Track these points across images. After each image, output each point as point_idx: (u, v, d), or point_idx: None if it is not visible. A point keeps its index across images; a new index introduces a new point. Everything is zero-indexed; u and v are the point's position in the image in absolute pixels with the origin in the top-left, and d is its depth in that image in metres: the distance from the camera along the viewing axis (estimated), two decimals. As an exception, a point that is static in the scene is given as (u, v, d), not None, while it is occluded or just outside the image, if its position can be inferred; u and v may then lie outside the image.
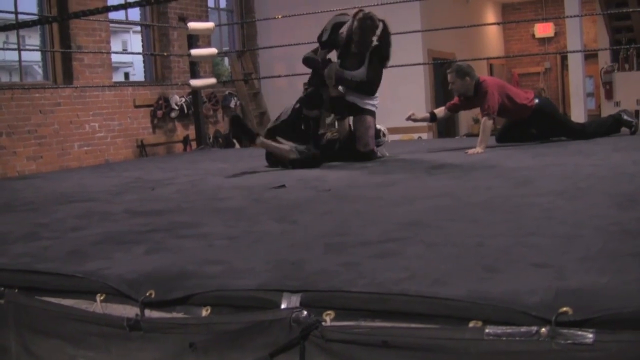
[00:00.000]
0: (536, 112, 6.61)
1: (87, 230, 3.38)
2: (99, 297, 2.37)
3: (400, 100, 12.54)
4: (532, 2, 18.65)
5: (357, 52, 6.06)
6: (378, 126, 6.31)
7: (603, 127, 6.97)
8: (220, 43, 13.79)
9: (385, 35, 6.10)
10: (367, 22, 6.03)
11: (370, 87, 6.09)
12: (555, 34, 18.37)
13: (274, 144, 5.90)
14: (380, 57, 6.11)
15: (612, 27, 15.12)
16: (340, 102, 6.11)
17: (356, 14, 6.14)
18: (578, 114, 12.58)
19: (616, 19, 15.04)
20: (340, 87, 6.05)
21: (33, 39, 14.10)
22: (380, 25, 6.07)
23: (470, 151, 6.15)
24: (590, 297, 1.80)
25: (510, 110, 6.61)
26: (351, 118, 6.26)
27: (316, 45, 6.31)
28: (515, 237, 2.59)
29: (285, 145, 5.88)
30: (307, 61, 6.22)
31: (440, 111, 7.08)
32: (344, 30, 6.10)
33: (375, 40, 6.05)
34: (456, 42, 14.14)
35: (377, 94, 6.24)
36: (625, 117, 6.99)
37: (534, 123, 6.76)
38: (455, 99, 6.84)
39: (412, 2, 10.48)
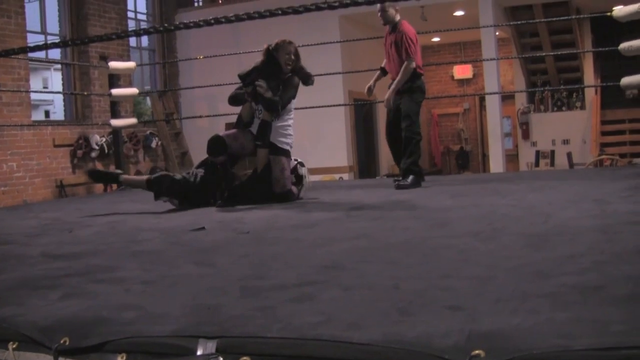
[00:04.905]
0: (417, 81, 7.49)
1: (2, 275, 3.31)
2: (11, 345, 2.31)
3: (321, 141, 12.65)
4: (451, 45, 19.02)
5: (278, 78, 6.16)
6: (301, 171, 6.34)
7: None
8: (141, 82, 13.74)
9: (296, 61, 6.25)
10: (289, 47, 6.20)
11: (276, 105, 6.08)
12: (474, 75, 18.76)
13: (132, 178, 5.99)
14: (293, 83, 6.22)
15: (527, 69, 15.55)
16: (266, 126, 6.13)
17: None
18: (496, 153, 12.87)
19: (532, 62, 15.48)
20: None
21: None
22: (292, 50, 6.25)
23: (386, 96, 7.53)
24: (502, 339, 1.83)
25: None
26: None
27: (238, 85, 6.33)
28: (430, 280, 2.61)
29: (143, 176, 6.07)
30: (232, 99, 6.21)
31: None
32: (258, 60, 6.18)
33: (289, 69, 6.21)
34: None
35: (291, 132, 6.29)
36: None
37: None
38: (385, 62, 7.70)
39: (333, 44, 10.62)
